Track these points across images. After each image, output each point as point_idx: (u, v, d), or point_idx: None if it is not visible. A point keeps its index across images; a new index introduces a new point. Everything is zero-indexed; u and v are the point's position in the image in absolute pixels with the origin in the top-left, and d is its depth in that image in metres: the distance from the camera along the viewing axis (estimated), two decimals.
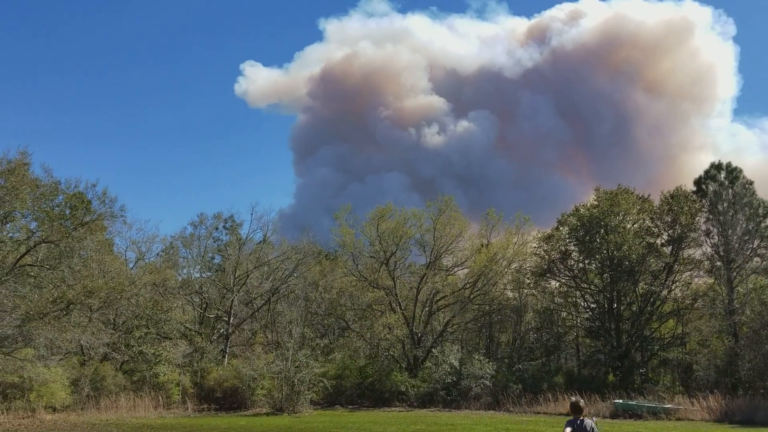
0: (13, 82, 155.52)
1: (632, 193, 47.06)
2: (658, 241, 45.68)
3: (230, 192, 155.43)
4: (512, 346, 53.05)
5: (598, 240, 45.40)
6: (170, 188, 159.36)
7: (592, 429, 10.36)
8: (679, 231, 44.22)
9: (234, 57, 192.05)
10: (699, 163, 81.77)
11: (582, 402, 10.65)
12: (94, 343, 32.75)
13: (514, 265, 50.49)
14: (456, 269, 52.63)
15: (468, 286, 49.81)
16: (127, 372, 37.25)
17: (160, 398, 35.74)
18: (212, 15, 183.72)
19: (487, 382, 42.98)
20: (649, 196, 47.44)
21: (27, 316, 27.45)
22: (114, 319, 36.98)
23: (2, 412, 28.47)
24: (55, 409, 30.95)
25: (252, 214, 59.05)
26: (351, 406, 41.99)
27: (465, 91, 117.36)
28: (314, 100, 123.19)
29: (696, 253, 45.06)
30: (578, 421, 10.52)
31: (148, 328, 38.15)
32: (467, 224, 51.14)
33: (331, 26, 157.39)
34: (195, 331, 44.67)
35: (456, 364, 44.30)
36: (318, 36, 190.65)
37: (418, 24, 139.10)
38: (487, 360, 45.25)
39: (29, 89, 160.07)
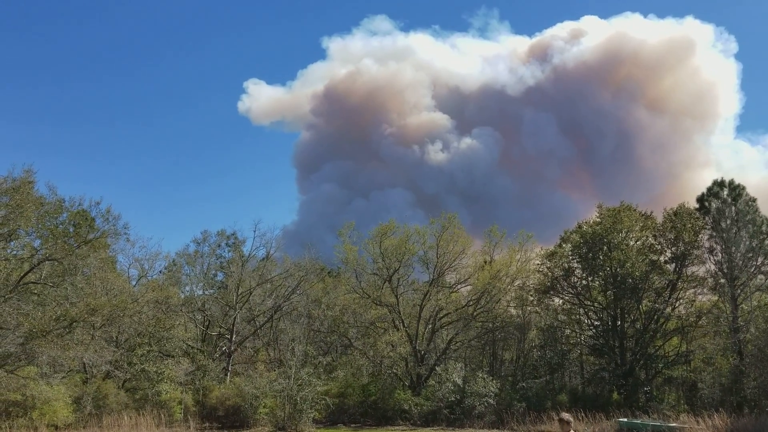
0: (12, 91, 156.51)
1: (635, 210, 47.12)
2: (662, 259, 45.66)
3: (233, 209, 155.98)
4: (516, 363, 52.84)
5: (601, 257, 45.36)
6: (173, 205, 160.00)
7: None
8: (682, 248, 44.19)
9: (237, 75, 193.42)
10: (702, 180, 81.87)
11: (566, 416, 10.88)
12: (96, 360, 32.69)
13: (517, 282, 50.40)
14: (459, 286, 52.54)
15: (471, 303, 49.69)
16: (130, 390, 37.11)
17: (162, 416, 35.50)
18: (215, 33, 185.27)
19: (491, 401, 42.70)
20: (651, 213, 47.54)
21: (30, 334, 27.46)
22: (116, 337, 36.95)
23: (5, 430, 28.36)
24: (57, 428, 30.82)
25: (255, 232, 59.01)
26: (354, 425, 41.72)
27: (468, 108, 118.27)
28: (317, 117, 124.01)
29: (699, 270, 45.04)
30: None
31: (151, 346, 38.10)
32: (470, 241, 51.19)
33: (334, 45, 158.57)
34: (197, 349, 44.55)
35: (459, 382, 44.04)
36: (321, 54, 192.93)
37: (421, 43, 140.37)
38: (491, 378, 44.99)
39: (31, 100, 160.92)
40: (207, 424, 38.14)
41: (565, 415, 10.99)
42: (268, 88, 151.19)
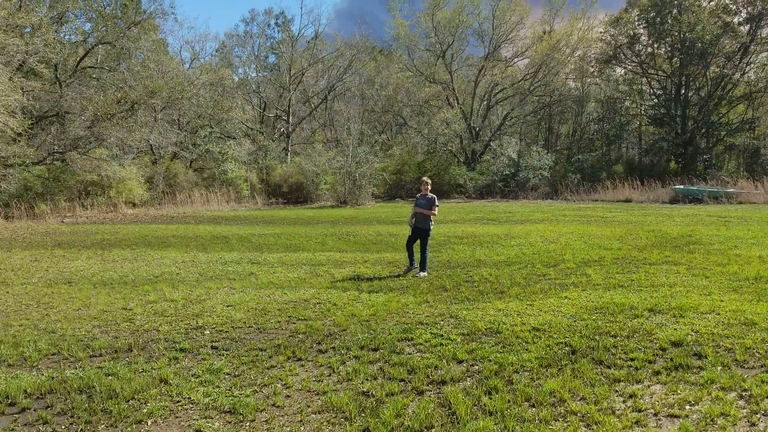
0: None
1: None
2: (735, 20, 42.52)
3: None
4: (572, 137, 52.53)
5: (669, 21, 42.52)
6: None
7: (432, 199, 12.13)
8: (760, 7, 40.84)
9: None
10: None
11: (425, 178, 12.53)
12: (162, 142, 33.95)
13: (577, 53, 48.41)
14: (516, 60, 50.88)
15: (528, 77, 48.35)
16: (197, 170, 38.79)
17: (231, 193, 37.40)
18: None
19: (546, 173, 43.23)
20: None
21: (95, 117, 28.32)
22: (178, 119, 37.84)
23: (87, 208, 30.40)
24: (135, 205, 32.84)
25: (302, 8, 57.69)
26: (411, 199, 43.21)
27: None
28: None
29: None
30: (424, 196, 12.24)
31: (212, 128, 39.02)
32: (529, 10, 48.40)
33: None
34: (257, 130, 45.59)
35: (514, 156, 44.39)
36: None
37: None
38: (546, 151, 45.12)
39: None
40: (273, 200, 40.15)
41: (424, 178, 12.57)
42: None
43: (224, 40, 50.68)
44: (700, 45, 41.37)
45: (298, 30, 51.07)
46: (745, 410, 5.09)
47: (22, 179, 27.23)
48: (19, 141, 25.96)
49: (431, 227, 12.11)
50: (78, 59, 30.17)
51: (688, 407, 5.18)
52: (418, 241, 12.18)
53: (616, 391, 5.54)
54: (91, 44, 30.89)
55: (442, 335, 7.41)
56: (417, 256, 12.43)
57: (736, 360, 6.24)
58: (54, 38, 26.92)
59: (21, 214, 26.75)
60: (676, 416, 5.04)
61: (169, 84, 32.55)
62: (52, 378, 6.16)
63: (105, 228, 23.32)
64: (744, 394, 5.41)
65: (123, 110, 29.57)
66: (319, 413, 5.23)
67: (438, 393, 5.60)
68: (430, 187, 12.27)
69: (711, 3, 42.85)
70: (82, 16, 31.12)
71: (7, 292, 11.00)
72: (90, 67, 31.02)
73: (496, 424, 4.91)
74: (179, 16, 68.92)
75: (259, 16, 50.45)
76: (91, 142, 29.70)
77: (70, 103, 28.47)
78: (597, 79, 49.31)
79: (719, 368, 6.01)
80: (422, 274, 11.86)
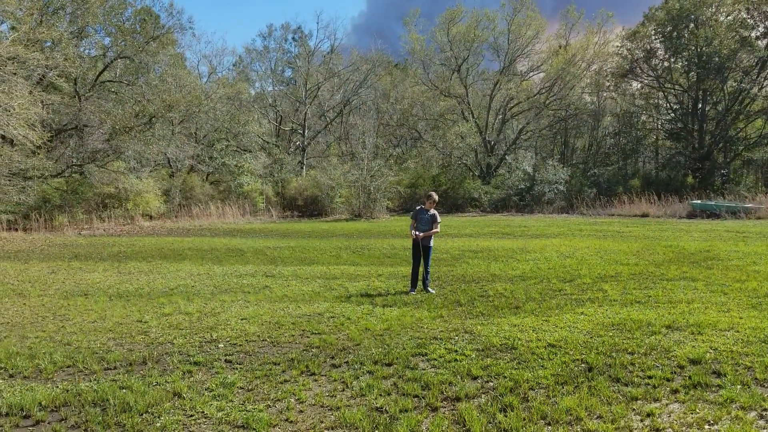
0: None
1: None
2: (753, 34, 42.29)
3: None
4: (588, 151, 52.31)
5: (686, 35, 42.35)
6: None
7: (435, 216, 11.76)
8: None
9: None
10: None
11: (433, 193, 12.01)
12: (179, 155, 34.23)
13: (593, 67, 48.27)
14: (531, 74, 50.86)
15: (543, 91, 48.29)
16: (214, 183, 39.05)
17: (247, 206, 37.56)
18: None
19: (561, 187, 43.01)
20: None
21: (114, 131, 28.62)
22: (195, 133, 38.17)
23: (104, 220, 30.66)
24: (151, 217, 33.06)
25: (318, 24, 58.24)
26: None
27: None
28: None
29: None
30: (426, 211, 11.81)
31: (228, 141, 39.30)
32: (545, 24, 48.47)
33: None
34: (273, 144, 45.84)
35: (530, 170, 44.23)
36: None
37: None
38: (562, 165, 44.91)
39: None
40: (288, 213, 40.25)
41: (432, 193, 12.03)
42: None
43: (242, 54, 51.25)
44: (717, 59, 41.13)
45: (314, 44, 51.42)
46: (765, 430, 4.99)
47: (40, 191, 27.53)
48: (39, 154, 26.28)
49: (432, 243, 11.90)
50: (97, 73, 30.58)
51: (707, 427, 5.09)
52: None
53: (634, 409, 5.46)
54: (111, 58, 31.31)
55: (456, 351, 7.36)
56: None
57: (756, 379, 6.13)
58: (74, 53, 27.31)
59: (39, 226, 27.02)
60: None
61: (187, 98, 32.88)
62: (67, 390, 6.18)
63: (122, 240, 23.49)
64: (764, 413, 5.31)
65: (141, 124, 29.87)
66: (333, 429, 5.20)
67: (452, 410, 5.54)
68: (433, 204, 11.89)
69: (728, 17, 42.65)
70: (101, 30, 31.54)
71: (24, 303, 11.09)
72: (109, 81, 31.43)
73: None
74: (197, 31, 69.93)
75: (277, 30, 50.92)
76: (109, 155, 30.01)
77: (88, 116, 28.80)
78: (613, 93, 49.17)
79: (739, 387, 5.91)
80: (431, 291, 11.73)
